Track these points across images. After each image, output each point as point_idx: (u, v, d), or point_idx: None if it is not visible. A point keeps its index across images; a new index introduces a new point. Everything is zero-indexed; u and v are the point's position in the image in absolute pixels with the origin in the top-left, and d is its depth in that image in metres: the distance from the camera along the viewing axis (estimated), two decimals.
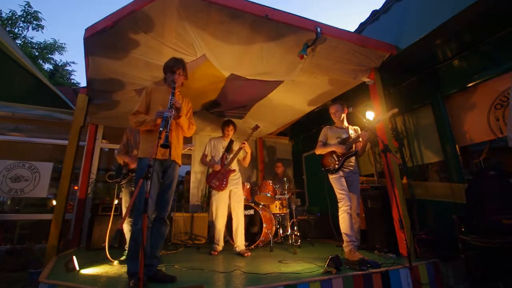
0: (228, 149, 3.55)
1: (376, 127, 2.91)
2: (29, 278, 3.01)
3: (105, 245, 2.79)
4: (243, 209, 3.47)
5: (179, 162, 2.24)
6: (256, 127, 3.67)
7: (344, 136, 2.94)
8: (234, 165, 3.53)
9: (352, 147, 2.86)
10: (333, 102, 3.22)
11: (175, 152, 2.16)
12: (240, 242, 3.28)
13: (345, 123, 3.06)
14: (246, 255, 3.10)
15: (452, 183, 3.12)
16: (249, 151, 3.50)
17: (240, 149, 3.45)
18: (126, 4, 2.28)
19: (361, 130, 2.83)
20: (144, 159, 2.06)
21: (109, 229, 2.97)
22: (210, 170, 3.56)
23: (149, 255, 1.95)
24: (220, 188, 3.35)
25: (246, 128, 5.09)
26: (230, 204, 3.45)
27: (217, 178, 3.40)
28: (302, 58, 2.79)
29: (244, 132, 5.19)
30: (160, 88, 2.31)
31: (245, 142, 3.43)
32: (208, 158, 3.57)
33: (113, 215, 3.08)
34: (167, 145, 1.72)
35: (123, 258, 2.73)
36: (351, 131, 3.00)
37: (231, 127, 3.58)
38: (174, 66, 2.22)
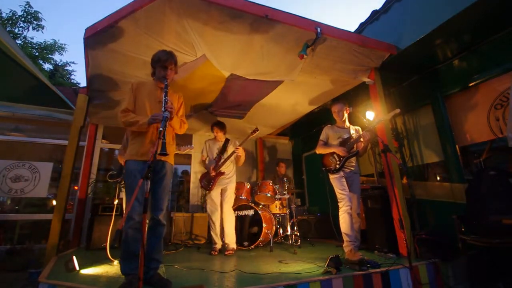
0: (223, 150, 3.53)
1: (376, 127, 2.91)
2: (29, 278, 3.01)
3: (105, 245, 2.80)
4: (231, 208, 3.47)
5: (171, 161, 2.10)
6: (255, 130, 3.62)
7: (346, 136, 2.92)
8: (229, 166, 3.50)
9: (353, 147, 2.86)
10: (335, 101, 3.21)
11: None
12: (228, 240, 3.31)
13: (347, 123, 3.05)
14: (226, 253, 3.16)
15: (452, 183, 3.12)
16: (242, 155, 3.44)
17: (233, 153, 3.42)
18: (126, 4, 2.28)
19: (362, 130, 2.82)
20: (130, 162, 1.95)
21: (110, 228, 2.97)
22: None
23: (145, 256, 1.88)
24: (207, 188, 3.42)
25: (246, 128, 5.09)
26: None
27: (206, 179, 3.46)
28: (302, 58, 2.79)
29: (244, 132, 5.19)
30: (145, 82, 2.16)
31: (239, 147, 3.40)
32: (206, 160, 3.57)
33: (114, 215, 3.08)
34: (165, 154, 1.60)
35: None
36: (352, 131, 2.98)
37: (216, 129, 3.56)
38: (167, 61, 2.02)
